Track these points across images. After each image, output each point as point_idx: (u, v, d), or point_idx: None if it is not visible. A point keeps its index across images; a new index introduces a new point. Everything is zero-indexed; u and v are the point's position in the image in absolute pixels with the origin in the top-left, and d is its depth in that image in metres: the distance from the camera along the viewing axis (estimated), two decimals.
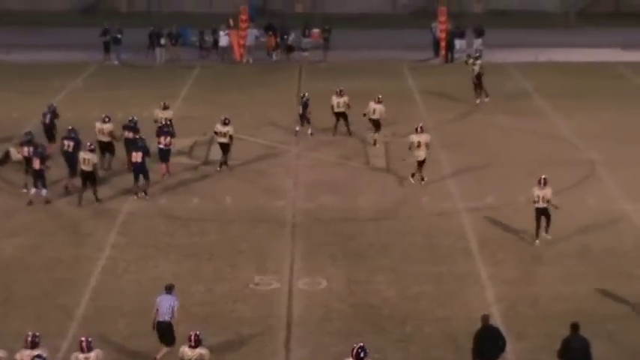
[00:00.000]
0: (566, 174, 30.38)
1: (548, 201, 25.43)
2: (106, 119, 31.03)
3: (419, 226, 26.94)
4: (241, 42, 49.65)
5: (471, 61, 40.81)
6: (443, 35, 49.95)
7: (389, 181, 30.64)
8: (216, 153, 32.41)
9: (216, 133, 31.42)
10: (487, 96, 39.86)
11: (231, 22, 49.91)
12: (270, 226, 26.90)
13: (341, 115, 34.97)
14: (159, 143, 30.52)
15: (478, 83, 39.92)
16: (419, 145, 29.83)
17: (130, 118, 31.54)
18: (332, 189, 29.83)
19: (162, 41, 49.21)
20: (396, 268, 24.21)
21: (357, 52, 51.13)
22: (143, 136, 30.07)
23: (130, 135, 30.70)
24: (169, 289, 19.83)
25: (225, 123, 31.14)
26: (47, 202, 28.22)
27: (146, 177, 28.85)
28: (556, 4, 64.14)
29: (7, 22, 57.43)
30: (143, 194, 28.78)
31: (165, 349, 19.75)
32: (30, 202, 28.14)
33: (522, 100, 40.80)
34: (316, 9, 63.32)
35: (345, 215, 27.72)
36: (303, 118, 34.99)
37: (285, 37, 50.30)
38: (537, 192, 25.56)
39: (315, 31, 51.94)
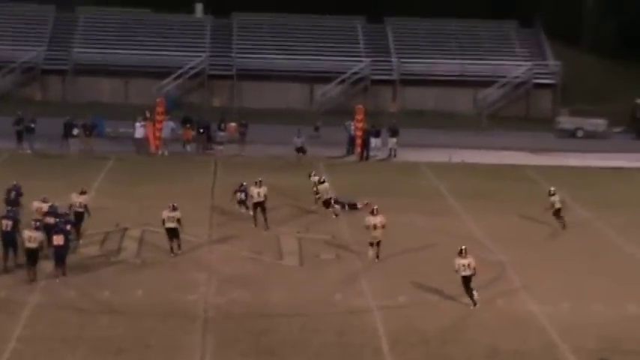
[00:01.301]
0: (476, 274, 30.62)
1: (473, 269, 27.68)
2: (46, 199, 32.19)
3: (331, 323, 26.89)
4: (157, 134, 49.64)
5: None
6: (359, 133, 50.57)
7: (302, 277, 30.62)
8: (129, 246, 32.40)
9: (163, 220, 31.79)
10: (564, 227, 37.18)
11: (147, 113, 49.97)
12: (181, 321, 26.61)
13: (259, 205, 35.23)
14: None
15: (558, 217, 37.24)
16: (375, 227, 31.56)
17: (51, 204, 32.00)
18: (244, 284, 29.69)
19: (75, 132, 48.93)
20: None
21: (273, 146, 51.41)
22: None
23: (50, 220, 30.80)
24: None
25: (173, 208, 31.83)
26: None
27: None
28: (469, 106, 65.52)
29: None
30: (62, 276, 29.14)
31: None
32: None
33: (436, 200, 41.30)
34: (233, 103, 63.78)
35: (257, 310, 27.57)
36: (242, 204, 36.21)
37: (202, 130, 50.44)
38: (460, 261, 27.86)
39: (232, 124, 52.22)
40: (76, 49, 65.08)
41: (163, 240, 33.17)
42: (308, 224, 35.85)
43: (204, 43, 67.34)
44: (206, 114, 54.25)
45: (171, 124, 50.58)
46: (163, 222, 31.98)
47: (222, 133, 50.83)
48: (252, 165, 46.51)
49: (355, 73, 65.62)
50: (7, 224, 29.82)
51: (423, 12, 69.27)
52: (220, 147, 50.06)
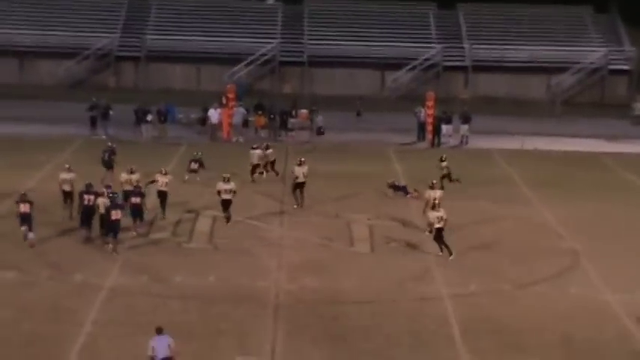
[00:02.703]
0: (549, 262, 30.36)
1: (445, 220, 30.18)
2: (132, 170, 34.35)
3: (402, 310, 26.78)
4: (228, 120, 49.86)
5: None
6: (430, 120, 50.29)
7: (373, 264, 30.54)
8: (201, 230, 32.65)
9: (219, 191, 33.47)
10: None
11: (223, 99, 50.24)
12: (252, 307, 26.69)
13: (301, 185, 36.02)
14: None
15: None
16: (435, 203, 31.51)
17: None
18: (315, 270, 29.70)
19: (149, 118, 49.37)
20: (379, 353, 24.00)
21: (344, 133, 51.35)
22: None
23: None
24: (161, 331, 21.66)
25: (227, 180, 33.57)
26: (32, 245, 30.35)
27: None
28: (543, 92, 64.82)
29: None
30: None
31: None
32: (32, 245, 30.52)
33: (507, 188, 40.93)
34: (304, 90, 63.80)
35: (328, 297, 27.56)
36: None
37: (273, 116, 50.59)
38: (435, 214, 30.27)
39: (303, 111, 52.24)
40: (148, 36, 65.57)
41: (235, 226, 33.34)
42: (379, 210, 35.69)
43: (275, 29, 67.44)
44: (277, 100, 54.33)
45: (242, 110, 50.75)
46: (219, 193, 33.50)
47: (293, 120, 50.87)
48: (323, 151, 46.52)
49: (427, 60, 65.26)
50: (89, 199, 31.31)
51: None
52: (292, 133, 50.11)
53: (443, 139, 50.36)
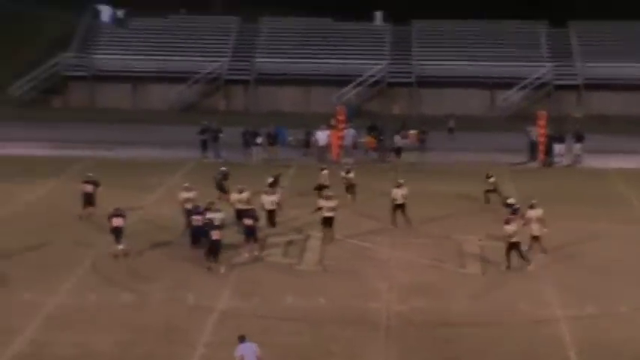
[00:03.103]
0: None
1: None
2: (241, 190, 35.15)
3: (516, 333, 26.33)
4: (338, 142, 49.92)
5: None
6: (542, 139, 49.56)
7: (484, 285, 30.13)
8: (311, 253, 33.00)
9: (319, 208, 34.16)
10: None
11: (332, 121, 50.33)
12: (363, 328, 26.55)
13: (400, 207, 36.03)
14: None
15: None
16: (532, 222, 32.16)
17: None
18: (426, 292, 29.42)
19: (259, 140, 49.69)
20: None
21: (453, 154, 50.95)
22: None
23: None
24: (244, 339, 22.66)
25: (329, 198, 34.34)
26: (125, 254, 31.74)
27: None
28: None
29: (111, 120, 58.77)
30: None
31: None
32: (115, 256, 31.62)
33: (623, 208, 40.01)
34: (413, 110, 63.55)
35: (440, 319, 27.25)
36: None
37: (382, 137, 50.48)
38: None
39: (412, 132, 51.99)
40: (258, 59, 66.11)
41: (345, 247, 33.30)
42: (490, 231, 35.24)
43: (383, 50, 67.34)
44: (386, 121, 54.20)
45: (352, 131, 50.74)
46: (320, 209, 34.11)
47: (402, 141, 50.63)
48: (433, 172, 46.22)
49: (537, 78, 64.41)
50: (197, 219, 32.09)
51: (609, 15, 67.40)
52: (401, 154, 49.84)
53: (555, 159, 49.55)
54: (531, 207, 33.59)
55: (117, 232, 31.91)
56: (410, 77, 65.15)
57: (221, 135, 49.88)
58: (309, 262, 32.43)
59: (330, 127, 50.33)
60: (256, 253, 32.57)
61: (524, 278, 30.52)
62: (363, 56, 66.11)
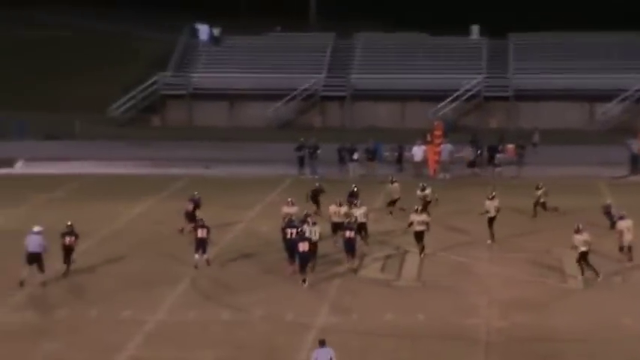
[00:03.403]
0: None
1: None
2: (340, 203, 35.30)
3: (619, 349, 25.82)
4: (436, 157, 49.71)
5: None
6: None
7: (587, 300, 29.64)
8: (409, 269, 32.82)
9: (411, 223, 33.96)
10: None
11: (428, 136, 50.20)
12: (463, 345, 26.30)
13: (494, 220, 35.83)
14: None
15: None
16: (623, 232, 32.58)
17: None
18: (527, 307, 29.04)
19: (356, 156, 49.71)
20: None
21: (552, 168, 50.33)
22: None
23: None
24: (323, 343, 22.67)
25: (419, 211, 34.16)
26: (208, 263, 32.57)
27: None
28: None
29: (209, 138, 59.39)
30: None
31: None
32: (195, 266, 32.35)
33: None
34: (510, 124, 62.99)
35: (542, 335, 26.87)
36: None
37: (480, 151, 50.16)
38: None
39: (510, 146, 51.57)
40: (353, 75, 66.24)
41: (443, 262, 33.11)
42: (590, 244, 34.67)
43: (480, 64, 66.97)
44: (483, 136, 53.83)
45: (449, 146, 50.47)
46: (411, 224, 33.87)
47: (500, 155, 50.26)
48: (531, 187, 45.67)
49: (638, 91, 63.36)
50: (291, 232, 32.02)
51: None
52: (499, 169, 49.47)
53: None
54: (621, 218, 33.42)
55: (200, 243, 32.45)
56: (507, 91, 64.71)
57: (319, 152, 50.05)
58: (408, 278, 32.29)
59: (426, 142, 50.14)
60: (354, 266, 32.56)
61: (628, 293, 29.93)
62: (460, 70, 65.86)
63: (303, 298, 29.96)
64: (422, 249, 34.03)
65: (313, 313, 28.67)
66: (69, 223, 32.45)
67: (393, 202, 40.06)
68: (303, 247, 30.86)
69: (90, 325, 27.68)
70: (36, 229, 31.29)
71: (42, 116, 59.55)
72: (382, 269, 33.18)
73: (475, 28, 70.48)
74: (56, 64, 70.29)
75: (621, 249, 32.91)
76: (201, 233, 32.54)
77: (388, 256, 34.34)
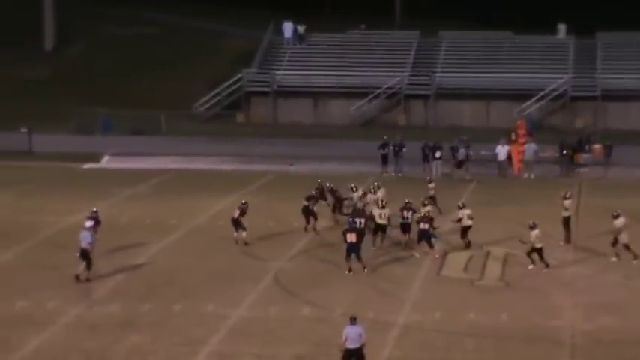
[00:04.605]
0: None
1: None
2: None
3: None
4: (519, 157, 49.23)
5: None
6: None
7: None
8: (492, 268, 32.74)
9: (460, 219, 34.61)
10: None
11: (512, 135, 49.71)
12: (547, 346, 26.01)
13: (569, 220, 35.62)
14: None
15: None
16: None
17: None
18: (612, 310, 28.60)
19: (438, 154, 49.35)
20: None
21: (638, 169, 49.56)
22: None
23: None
24: (354, 320, 22.97)
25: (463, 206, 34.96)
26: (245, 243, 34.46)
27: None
28: None
29: (293, 135, 59.54)
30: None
31: None
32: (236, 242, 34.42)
33: None
34: (597, 124, 62.09)
35: (628, 338, 26.43)
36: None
37: (565, 151, 49.55)
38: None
39: (597, 146, 50.84)
40: (438, 74, 65.87)
41: (522, 263, 32.78)
42: None
43: (566, 64, 66.10)
44: (568, 136, 53.15)
45: (533, 146, 49.89)
46: (460, 220, 34.58)
47: (586, 155, 49.60)
48: (618, 187, 45.05)
49: None
50: (351, 236, 31.82)
51: None
52: (585, 169, 48.85)
53: None
54: (616, 217, 33.29)
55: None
56: (594, 90, 63.71)
57: (404, 150, 49.83)
58: (490, 278, 32.02)
59: (510, 141, 49.67)
60: (437, 255, 33.35)
61: None
62: (545, 70, 65.07)
63: (385, 296, 29.88)
64: (468, 243, 34.17)
65: (395, 311, 28.57)
66: (94, 209, 32.99)
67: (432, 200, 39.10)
68: (351, 237, 31.55)
69: (174, 319, 27.93)
70: (87, 224, 31.46)
71: (128, 112, 60.22)
72: (465, 268, 32.95)
73: (562, 27, 69.50)
74: (142, 61, 71.04)
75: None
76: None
77: (471, 256, 34.08)
